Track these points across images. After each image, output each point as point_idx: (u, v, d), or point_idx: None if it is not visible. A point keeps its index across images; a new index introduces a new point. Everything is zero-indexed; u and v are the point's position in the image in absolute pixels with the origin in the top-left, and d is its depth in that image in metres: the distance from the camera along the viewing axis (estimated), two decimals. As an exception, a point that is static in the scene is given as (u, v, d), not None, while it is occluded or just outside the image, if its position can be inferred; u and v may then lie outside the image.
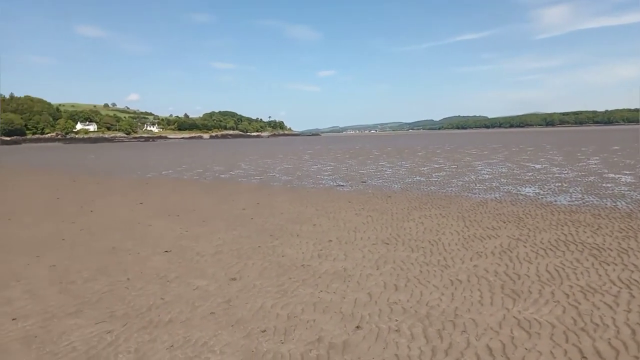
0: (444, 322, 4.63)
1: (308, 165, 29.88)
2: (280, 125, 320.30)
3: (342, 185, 17.92)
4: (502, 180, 17.86)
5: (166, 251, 7.88)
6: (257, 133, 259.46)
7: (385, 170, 24.03)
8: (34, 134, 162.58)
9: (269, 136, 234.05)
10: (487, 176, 19.46)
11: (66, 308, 5.23)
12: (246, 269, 6.71)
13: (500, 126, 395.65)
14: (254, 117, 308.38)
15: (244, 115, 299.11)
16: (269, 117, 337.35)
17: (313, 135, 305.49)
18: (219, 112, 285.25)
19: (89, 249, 8.15)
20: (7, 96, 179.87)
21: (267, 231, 9.39)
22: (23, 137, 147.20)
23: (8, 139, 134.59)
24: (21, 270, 6.82)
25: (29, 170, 29.63)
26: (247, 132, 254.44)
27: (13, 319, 4.89)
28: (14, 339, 4.42)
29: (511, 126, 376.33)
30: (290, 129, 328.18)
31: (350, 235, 8.83)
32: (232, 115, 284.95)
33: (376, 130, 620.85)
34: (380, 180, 19.19)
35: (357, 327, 4.57)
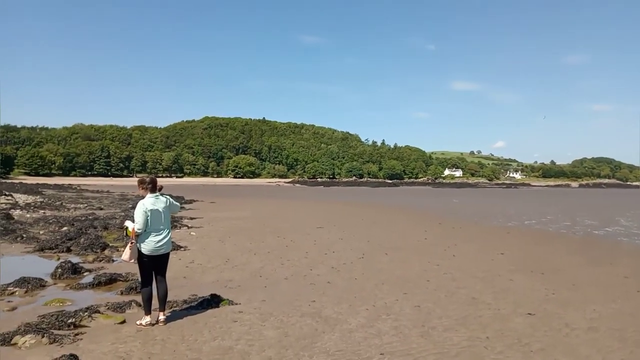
0: None
1: None
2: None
3: None
4: None
5: (529, 314, 7.15)
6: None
7: None
8: (409, 177, 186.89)
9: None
10: None
11: (426, 355, 5.32)
12: (634, 360, 5.29)
13: None
14: (637, 165, 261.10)
15: (623, 162, 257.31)
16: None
17: None
18: (592, 158, 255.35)
19: (450, 295, 8.28)
20: (392, 146, 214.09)
21: (663, 313, 7.31)
22: (401, 180, 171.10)
23: (390, 181, 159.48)
24: (392, 305, 7.50)
25: (405, 211, 33.75)
26: (626, 182, 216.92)
27: (381, 354, 5.31)
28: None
29: None
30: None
31: None
32: (609, 162, 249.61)
33: None
34: None
35: None
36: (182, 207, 26.65)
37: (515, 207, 41.16)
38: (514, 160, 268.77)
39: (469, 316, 6.94)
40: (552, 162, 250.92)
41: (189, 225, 18.10)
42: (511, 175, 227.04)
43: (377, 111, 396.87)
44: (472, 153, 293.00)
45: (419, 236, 17.07)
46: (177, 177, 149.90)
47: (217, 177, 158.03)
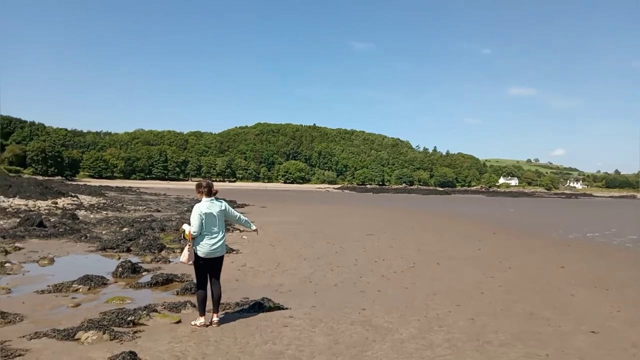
0: None
1: None
2: None
3: None
4: None
5: (592, 332, 6.76)
6: None
7: None
8: (462, 185, 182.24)
9: None
10: None
11: (482, 370, 5.14)
12: None
13: None
14: None
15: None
16: None
17: None
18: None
19: (506, 308, 7.97)
20: (444, 153, 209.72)
21: None
22: (453, 188, 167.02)
23: (441, 189, 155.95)
24: (444, 316, 7.30)
25: (457, 219, 32.89)
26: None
27: (435, 366, 5.18)
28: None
29: None
30: None
31: None
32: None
33: None
34: None
35: None
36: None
37: (576, 218, 39.19)
38: (575, 169, 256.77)
39: (527, 332, 6.65)
40: (617, 172, 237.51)
41: (241, 229, 18.47)
42: (571, 184, 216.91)
43: (429, 117, 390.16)
44: (529, 161, 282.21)
45: (472, 246, 16.58)
46: (229, 181, 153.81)
47: (268, 182, 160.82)
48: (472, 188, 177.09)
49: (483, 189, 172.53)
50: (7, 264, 9.95)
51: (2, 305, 6.92)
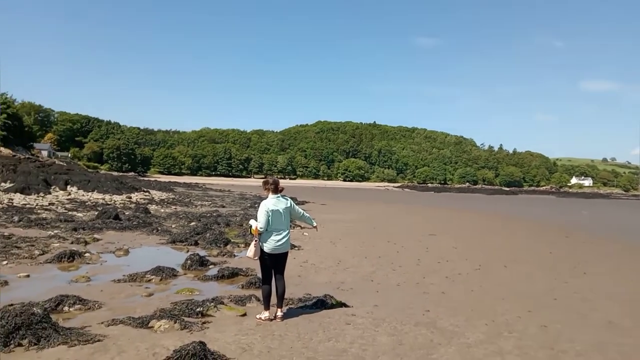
0: None
1: None
2: None
3: None
4: None
5: (682, 346, 6.20)
6: None
7: None
8: (529, 185, 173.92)
9: None
10: None
11: (557, 380, 4.85)
12: None
13: None
14: None
15: None
16: None
17: None
18: None
19: (581, 316, 7.49)
20: (511, 151, 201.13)
21: None
22: (520, 188, 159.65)
23: (507, 189, 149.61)
24: (514, 322, 6.98)
25: (525, 221, 31.40)
26: None
27: (505, 374, 4.95)
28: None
29: None
30: None
31: None
32: None
33: None
34: None
35: None
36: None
37: (659, 222, 36.20)
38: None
39: (606, 342, 6.21)
40: None
41: (302, 226, 18.68)
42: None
43: (495, 114, 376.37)
44: (604, 160, 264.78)
45: (543, 249, 15.76)
46: (290, 178, 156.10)
47: (327, 179, 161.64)
48: (541, 188, 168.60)
49: (553, 190, 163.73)
50: (86, 254, 10.66)
51: (82, 292, 7.41)
